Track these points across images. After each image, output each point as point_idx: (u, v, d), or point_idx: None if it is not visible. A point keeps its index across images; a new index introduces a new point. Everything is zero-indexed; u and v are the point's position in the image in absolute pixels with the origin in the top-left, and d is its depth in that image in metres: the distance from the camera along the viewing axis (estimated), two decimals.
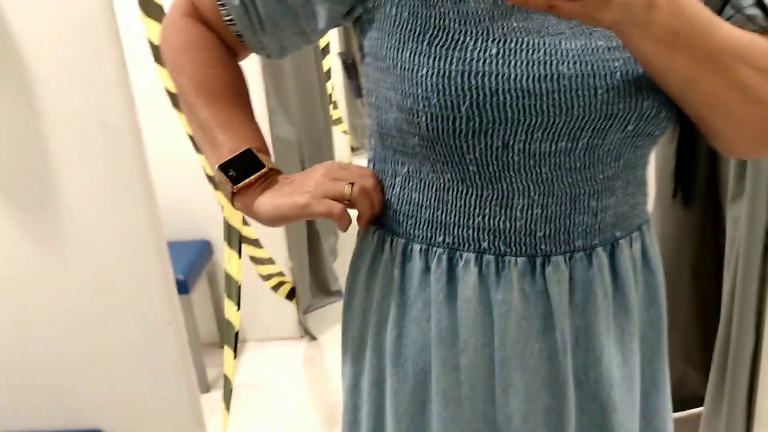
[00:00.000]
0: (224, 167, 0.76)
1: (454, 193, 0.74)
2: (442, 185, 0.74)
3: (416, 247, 0.76)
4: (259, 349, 2.71)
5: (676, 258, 1.89)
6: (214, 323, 2.74)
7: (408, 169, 0.77)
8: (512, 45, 0.66)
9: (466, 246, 0.73)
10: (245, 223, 1.94)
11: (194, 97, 0.79)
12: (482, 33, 0.67)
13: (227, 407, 1.57)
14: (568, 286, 0.73)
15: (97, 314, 1.48)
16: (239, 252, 1.73)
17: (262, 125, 0.90)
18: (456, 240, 0.74)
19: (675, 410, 1.97)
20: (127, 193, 1.38)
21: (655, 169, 1.77)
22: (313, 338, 2.72)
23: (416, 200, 0.76)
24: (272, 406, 2.37)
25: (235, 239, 1.69)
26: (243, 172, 0.76)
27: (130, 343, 1.51)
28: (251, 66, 2.21)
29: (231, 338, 1.66)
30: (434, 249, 0.75)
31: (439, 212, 0.74)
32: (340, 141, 4.18)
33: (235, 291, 1.70)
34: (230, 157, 0.76)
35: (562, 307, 0.73)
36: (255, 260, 2.24)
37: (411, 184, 0.77)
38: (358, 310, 0.83)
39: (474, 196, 0.73)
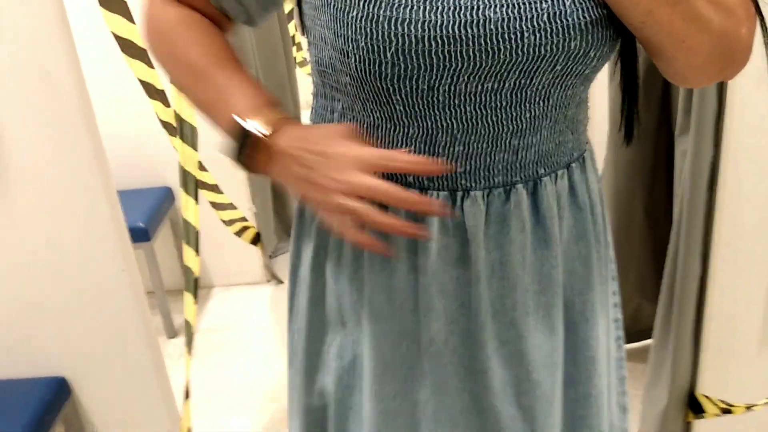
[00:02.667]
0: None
1: (382, 130, 0.75)
2: (371, 122, 0.75)
3: None
4: (226, 295, 2.73)
5: (629, 196, 1.92)
6: (179, 270, 2.75)
7: (342, 105, 0.78)
8: None
9: (393, 179, 0.74)
10: (202, 168, 1.93)
11: (193, 77, 0.77)
12: None
13: (189, 351, 1.59)
14: (484, 219, 0.76)
15: (51, 264, 1.48)
16: (196, 197, 1.72)
17: None
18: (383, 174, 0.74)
19: (631, 341, 2.03)
20: (73, 143, 1.36)
21: (608, 108, 1.78)
22: (280, 282, 2.74)
23: None
24: (240, 350, 2.40)
25: (191, 185, 1.68)
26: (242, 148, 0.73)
27: (86, 292, 1.51)
28: None
29: (191, 284, 1.67)
30: None
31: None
32: (305, 83, 4.12)
33: (193, 237, 1.70)
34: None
35: (477, 239, 0.75)
36: (216, 206, 2.23)
37: (345, 119, 0.78)
38: (303, 241, 0.86)
39: (401, 134, 0.74)
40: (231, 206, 2.32)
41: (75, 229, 1.44)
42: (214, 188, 2.15)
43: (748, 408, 1.48)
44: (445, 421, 0.81)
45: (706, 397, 1.55)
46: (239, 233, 2.48)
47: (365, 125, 0.75)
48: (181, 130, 1.55)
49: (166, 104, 1.64)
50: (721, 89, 1.34)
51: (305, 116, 0.88)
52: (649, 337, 1.73)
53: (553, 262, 0.78)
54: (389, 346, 0.79)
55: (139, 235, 2.25)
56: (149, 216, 2.35)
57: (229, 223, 2.40)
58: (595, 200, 0.84)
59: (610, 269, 0.90)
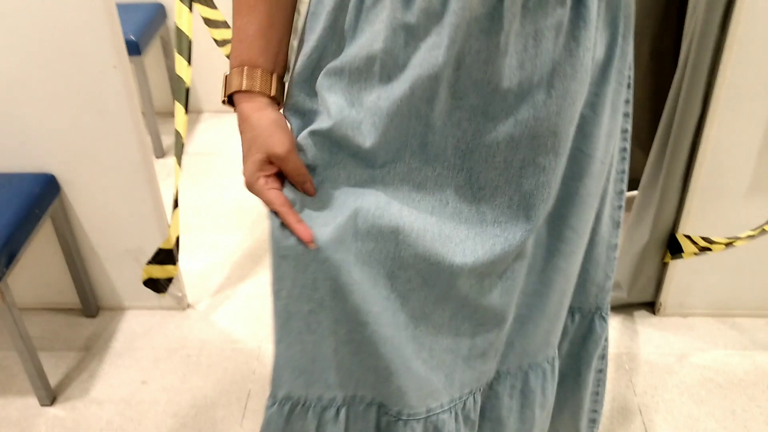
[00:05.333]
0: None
1: None
2: None
3: None
4: (216, 120, 2.70)
5: (637, 39, 1.87)
6: (169, 93, 2.70)
7: None
8: None
9: None
10: None
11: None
12: None
13: (179, 162, 1.57)
14: None
15: (44, 58, 1.43)
16: (190, 6, 1.65)
17: None
18: None
19: None
20: None
21: None
22: None
23: None
24: (228, 173, 2.40)
25: None
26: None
27: (78, 89, 1.48)
28: None
29: (182, 94, 1.62)
30: None
31: None
32: None
33: (185, 46, 1.65)
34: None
35: (514, 9, 0.70)
36: (209, 23, 2.15)
37: None
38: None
39: None
40: (225, 24, 2.23)
41: (69, 21, 1.39)
42: (209, 2, 2.06)
43: (728, 244, 1.51)
44: (436, 193, 0.80)
45: (687, 236, 1.58)
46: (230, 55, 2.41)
47: None
48: None
49: None
50: None
51: None
52: (636, 188, 1.74)
53: (588, 45, 0.74)
54: (396, 115, 0.76)
55: (131, 48, 2.18)
56: (141, 30, 2.28)
57: (222, 43, 2.32)
58: (628, 19, 0.81)
59: (627, 75, 0.87)
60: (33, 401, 1.60)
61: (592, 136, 0.83)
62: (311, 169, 0.79)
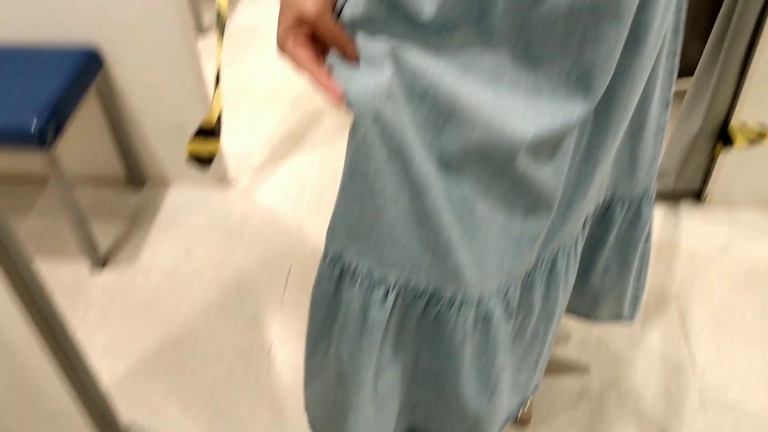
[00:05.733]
0: None
1: None
2: None
3: None
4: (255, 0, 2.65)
5: None
6: None
7: None
8: None
9: None
10: None
11: None
12: None
13: (220, 36, 1.55)
14: None
15: None
16: None
17: None
18: None
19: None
20: None
21: None
22: None
23: None
24: (269, 50, 2.37)
25: None
26: None
27: None
28: None
29: None
30: None
31: None
32: None
33: None
34: None
35: None
36: None
37: None
38: None
39: None
40: None
41: None
42: None
43: None
44: (492, 64, 0.77)
45: (740, 126, 1.53)
46: None
47: None
48: None
49: None
50: None
51: None
52: (690, 75, 1.67)
53: None
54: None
55: None
56: None
57: None
58: None
59: None
60: (84, 266, 1.67)
61: (651, 4, 0.79)
62: (363, 26, 0.76)
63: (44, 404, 1.06)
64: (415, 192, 0.79)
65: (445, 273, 0.85)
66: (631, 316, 1.23)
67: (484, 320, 0.90)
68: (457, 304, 0.87)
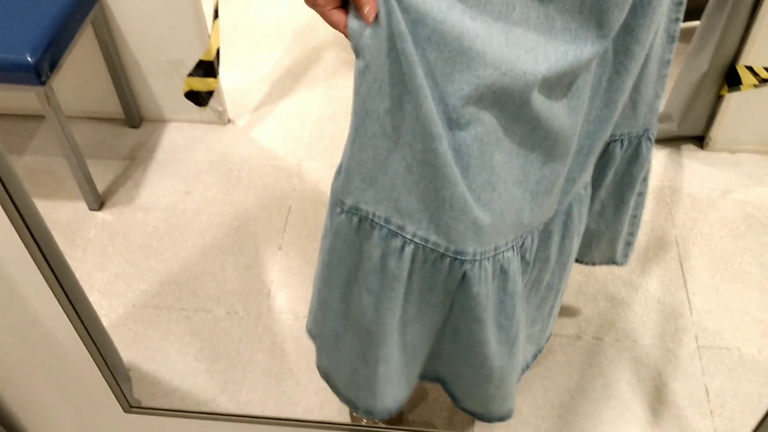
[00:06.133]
0: None
1: None
2: None
3: None
4: None
5: None
6: None
7: None
8: None
9: None
10: None
11: None
12: None
13: None
14: None
15: None
16: None
17: None
18: None
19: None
20: None
21: None
22: None
23: None
24: None
25: None
26: None
27: None
28: None
29: None
30: None
31: None
32: None
33: None
34: None
35: None
36: None
37: None
38: None
39: None
40: None
41: None
42: None
43: None
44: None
45: (748, 67, 1.51)
46: None
47: None
48: None
49: None
50: None
51: None
52: (698, 19, 1.63)
53: None
54: None
55: None
56: None
57: None
58: None
59: None
60: (82, 206, 1.66)
61: None
62: None
63: (48, 341, 1.06)
64: (429, 140, 0.77)
65: (464, 229, 0.83)
66: (624, 261, 1.23)
67: (502, 272, 0.89)
68: (479, 260, 0.86)
